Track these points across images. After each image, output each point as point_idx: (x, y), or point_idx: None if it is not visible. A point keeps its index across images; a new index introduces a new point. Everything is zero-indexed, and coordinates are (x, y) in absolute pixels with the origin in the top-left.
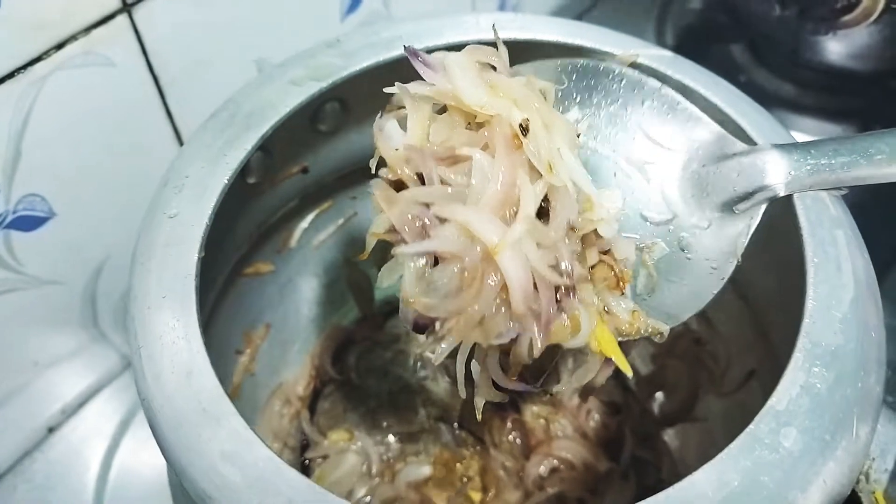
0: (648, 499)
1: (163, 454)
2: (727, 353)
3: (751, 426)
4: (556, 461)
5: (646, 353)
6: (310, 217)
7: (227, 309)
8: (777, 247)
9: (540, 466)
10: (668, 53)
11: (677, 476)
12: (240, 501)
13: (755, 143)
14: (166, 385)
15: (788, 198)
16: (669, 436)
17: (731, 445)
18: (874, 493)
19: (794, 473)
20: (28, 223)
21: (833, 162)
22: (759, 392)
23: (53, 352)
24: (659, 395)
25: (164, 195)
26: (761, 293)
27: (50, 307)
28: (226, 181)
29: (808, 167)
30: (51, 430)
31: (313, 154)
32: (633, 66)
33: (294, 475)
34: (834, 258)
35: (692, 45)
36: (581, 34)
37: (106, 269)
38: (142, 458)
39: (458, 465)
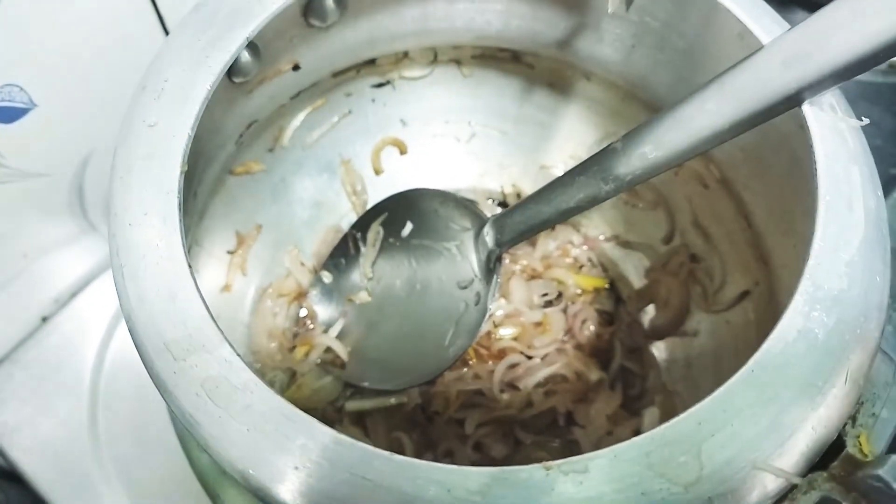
0: (634, 439)
1: (149, 376)
2: (723, 271)
3: (743, 370)
4: (548, 373)
5: (641, 266)
6: (302, 115)
7: (218, 208)
8: (788, 174)
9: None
10: None
11: (661, 387)
12: (226, 429)
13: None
14: (151, 308)
15: (804, 127)
16: (657, 348)
17: (720, 389)
18: (859, 436)
19: (783, 419)
20: (8, 114)
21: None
22: (751, 313)
23: (43, 243)
24: (650, 308)
25: (143, 101)
26: (766, 217)
27: (37, 199)
28: (209, 87)
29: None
30: (44, 319)
31: (305, 50)
32: None
33: (283, 404)
34: (846, 196)
35: None
36: None
37: (92, 162)
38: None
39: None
